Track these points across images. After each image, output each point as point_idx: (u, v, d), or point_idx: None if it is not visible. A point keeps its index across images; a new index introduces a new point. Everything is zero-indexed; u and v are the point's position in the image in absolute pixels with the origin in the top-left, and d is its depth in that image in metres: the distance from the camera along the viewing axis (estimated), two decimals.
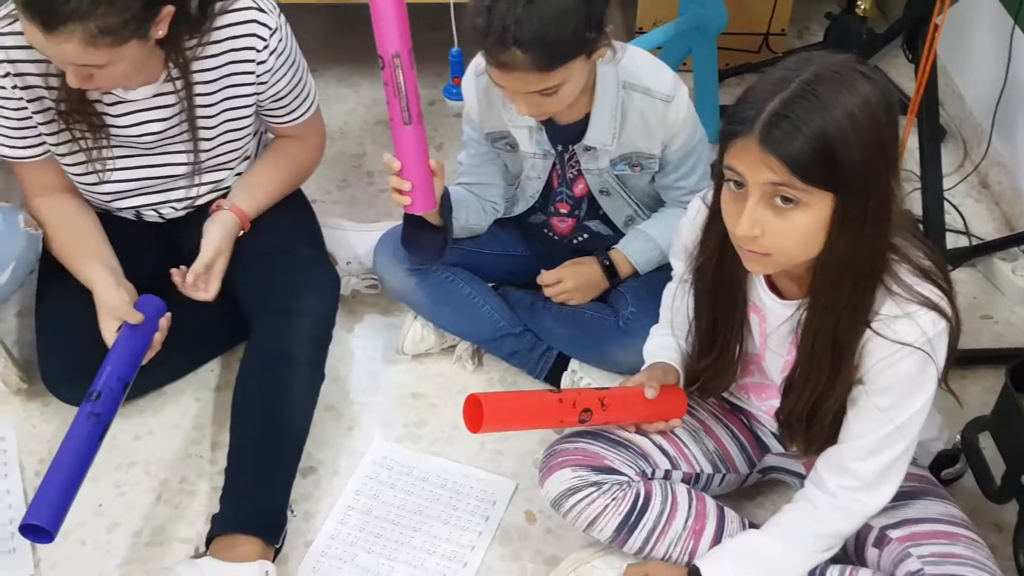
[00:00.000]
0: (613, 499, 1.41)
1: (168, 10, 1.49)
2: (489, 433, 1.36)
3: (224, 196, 1.79)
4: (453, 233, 1.67)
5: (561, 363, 1.80)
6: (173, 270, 1.67)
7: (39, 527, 1.37)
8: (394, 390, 1.85)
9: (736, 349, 1.41)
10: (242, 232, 1.76)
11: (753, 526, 1.46)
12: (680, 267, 1.49)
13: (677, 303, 1.46)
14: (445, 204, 1.62)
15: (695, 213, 1.40)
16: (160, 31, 1.50)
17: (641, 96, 1.62)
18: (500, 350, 1.84)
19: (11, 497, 1.64)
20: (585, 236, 1.83)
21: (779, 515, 1.38)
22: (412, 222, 1.67)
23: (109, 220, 1.79)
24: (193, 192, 1.80)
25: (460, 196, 1.72)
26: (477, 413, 1.37)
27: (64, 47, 1.42)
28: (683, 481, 1.50)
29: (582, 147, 1.66)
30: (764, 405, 1.50)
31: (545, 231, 1.85)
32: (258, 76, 1.69)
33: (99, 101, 1.64)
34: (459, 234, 1.71)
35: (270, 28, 1.66)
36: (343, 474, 1.70)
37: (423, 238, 1.68)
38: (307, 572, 1.56)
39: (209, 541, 1.53)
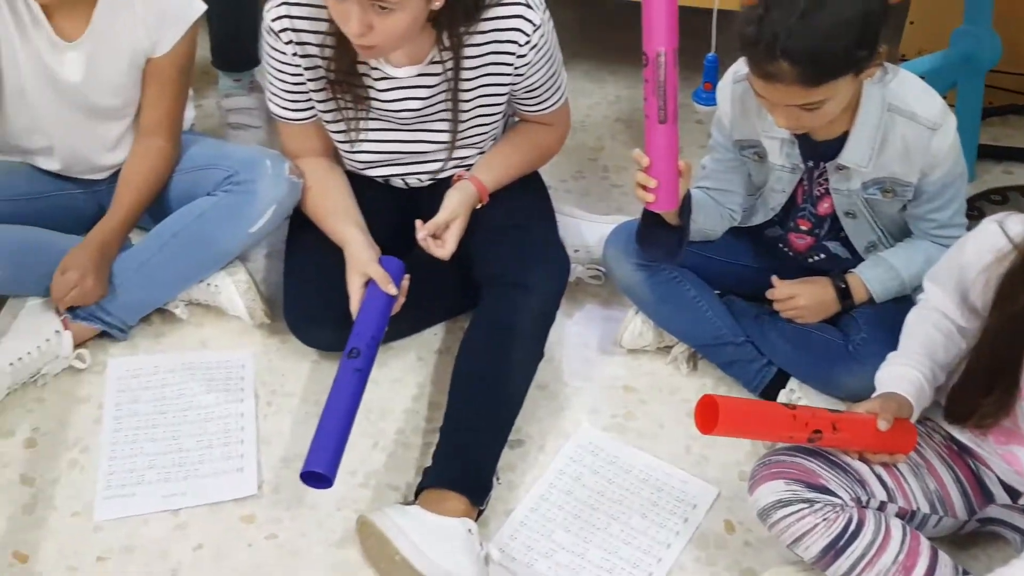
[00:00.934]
0: (824, 519, 1.39)
1: None
2: (715, 435, 1.37)
3: (467, 170, 1.87)
4: (688, 235, 1.68)
5: (780, 379, 1.78)
6: (417, 221, 1.76)
7: (318, 474, 1.47)
8: (606, 380, 1.88)
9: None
10: (480, 205, 1.83)
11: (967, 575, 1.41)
12: (939, 293, 1.45)
13: (936, 335, 1.42)
14: (685, 206, 1.64)
15: (989, 238, 1.36)
16: (438, 2, 1.58)
17: (906, 121, 1.58)
18: (718, 357, 1.84)
19: (244, 420, 1.77)
20: (821, 256, 1.80)
21: (1001, 571, 1.33)
22: (650, 219, 1.69)
23: (356, 181, 1.90)
24: (439, 166, 1.89)
25: (699, 199, 1.73)
26: (711, 414, 1.37)
27: None
28: (897, 515, 1.46)
29: (835, 166, 1.63)
30: (1002, 450, 1.44)
31: (780, 246, 1.83)
32: (516, 68, 1.76)
33: (367, 75, 1.74)
34: (693, 237, 1.72)
35: (534, 24, 1.71)
36: (548, 452, 1.74)
37: (659, 236, 1.70)
38: (505, 538, 1.61)
39: (418, 492, 1.61)
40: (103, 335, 1.87)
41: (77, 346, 1.83)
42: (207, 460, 1.70)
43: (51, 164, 1.93)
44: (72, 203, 1.97)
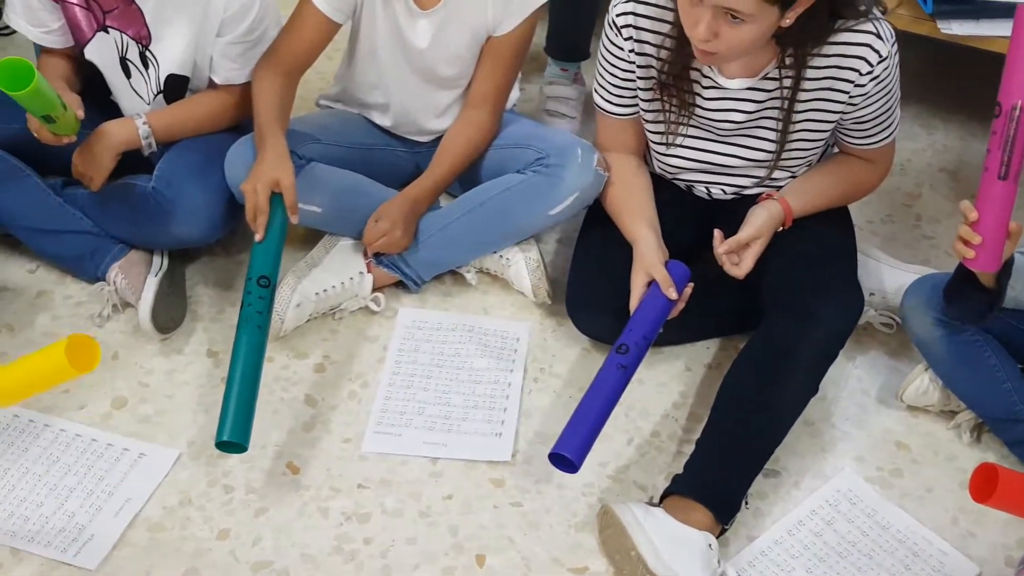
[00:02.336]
0: None
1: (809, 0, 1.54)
2: (989, 506, 1.28)
3: (775, 190, 1.84)
4: (1002, 301, 1.57)
5: None
6: (717, 233, 1.75)
7: (566, 458, 1.51)
8: (879, 431, 1.79)
9: None
10: (781, 228, 1.79)
11: None
12: None
13: None
14: (1006, 269, 1.53)
15: None
16: (789, 19, 1.56)
17: None
18: (1007, 434, 1.71)
19: (510, 390, 1.83)
20: None
21: None
22: (964, 276, 1.59)
23: (657, 183, 1.91)
24: (749, 182, 1.87)
25: (1021, 266, 1.61)
26: (990, 483, 1.29)
27: None
28: None
29: None
30: None
31: None
32: (851, 97, 1.70)
33: (696, 82, 1.75)
34: (1006, 303, 1.61)
35: (880, 56, 1.66)
36: (803, 489, 1.69)
37: (970, 296, 1.60)
38: (743, 563, 1.57)
39: (664, 497, 1.60)
40: (399, 284, 2.00)
41: (375, 290, 1.97)
42: (470, 419, 1.78)
43: (384, 120, 2.08)
44: (394, 159, 2.11)
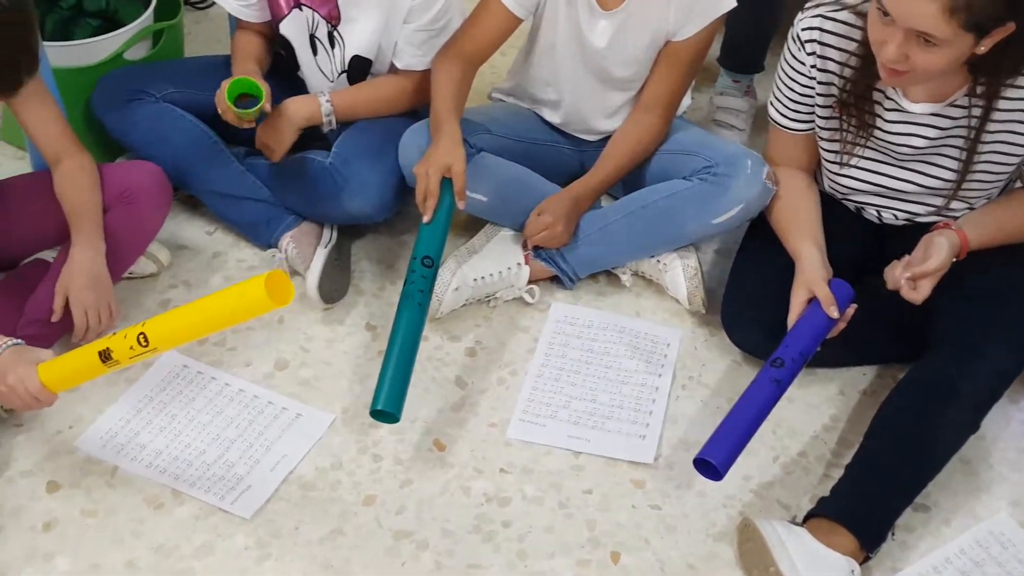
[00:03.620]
0: None
1: (1007, 28, 1.50)
2: None
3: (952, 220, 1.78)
4: None
5: None
6: (898, 263, 1.70)
7: (712, 465, 1.51)
8: None
9: None
10: (955, 259, 1.74)
11: None
12: None
13: None
14: None
15: None
16: (984, 47, 1.52)
17: None
18: None
19: (657, 394, 1.84)
20: None
21: None
22: None
23: (826, 202, 1.88)
24: (924, 210, 1.82)
25: None
26: None
27: (922, 8, 1.45)
28: None
29: None
30: None
31: None
32: None
33: (878, 103, 1.72)
34: None
35: None
36: (954, 527, 1.64)
37: None
38: None
39: (807, 519, 1.58)
40: (554, 279, 2.03)
41: (530, 282, 2.00)
42: (615, 418, 1.79)
43: (554, 117, 2.12)
44: (559, 156, 2.14)
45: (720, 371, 1.89)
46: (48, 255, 1.93)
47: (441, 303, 1.91)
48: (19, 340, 1.59)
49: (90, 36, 2.16)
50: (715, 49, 2.32)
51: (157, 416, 1.76)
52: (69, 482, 1.66)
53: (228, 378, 1.83)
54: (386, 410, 1.62)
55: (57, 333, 1.81)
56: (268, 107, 1.90)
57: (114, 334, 1.51)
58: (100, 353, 1.50)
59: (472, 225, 2.08)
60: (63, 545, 1.57)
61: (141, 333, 1.47)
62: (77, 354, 1.56)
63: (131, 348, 1.48)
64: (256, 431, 1.74)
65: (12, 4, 1.47)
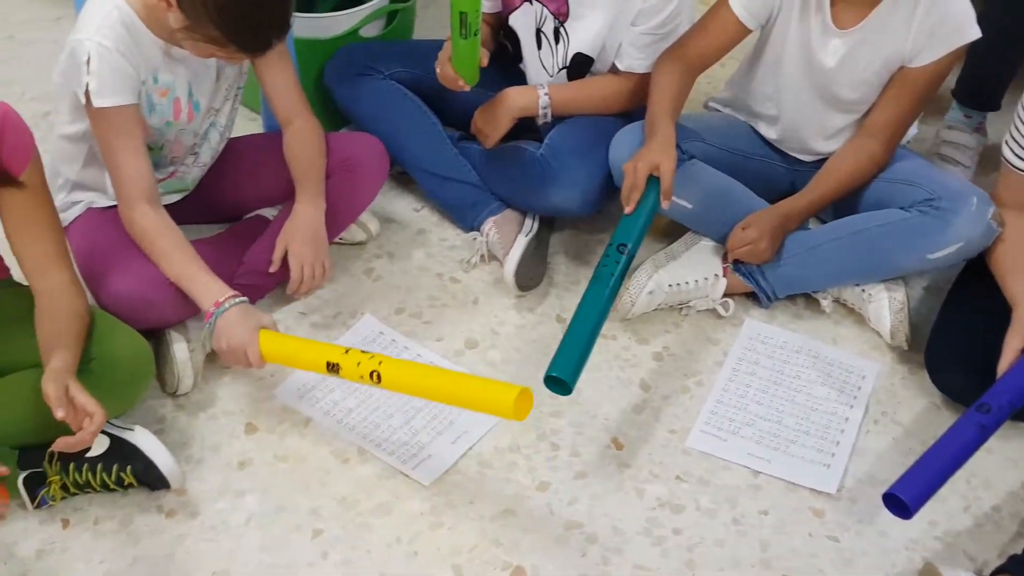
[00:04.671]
0: None
1: None
2: None
3: None
4: None
5: None
6: None
7: (903, 503, 1.46)
8: None
9: None
10: None
11: None
12: None
13: None
14: None
15: None
16: None
17: None
18: None
19: (847, 425, 1.78)
20: None
21: None
22: None
23: None
24: None
25: None
26: None
27: None
28: None
29: None
30: None
31: None
32: None
33: None
34: None
35: None
36: None
37: None
38: None
39: (997, 573, 1.51)
40: (750, 295, 1.99)
41: (726, 295, 1.97)
42: (800, 443, 1.75)
43: (770, 132, 2.08)
44: (770, 172, 2.10)
45: (916, 411, 1.82)
46: (268, 212, 2.04)
47: (634, 304, 1.91)
48: (244, 298, 1.68)
49: (330, 11, 2.28)
50: (949, 79, 2.23)
51: None
52: (265, 427, 1.75)
53: (420, 349, 1.89)
54: (561, 378, 1.62)
55: (272, 284, 1.91)
56: (485, 61, 1.94)
57: (348, 352, 1.57)
58: (329, 363, 1.57)
59: (672, 231, 2.07)
60: (254, 484, 1.66)
61: (376, 371, 1.54)
62: (306, 346, 1.66)
63: (360, 376, 1.55)
64: (437, 407, 1.79)
65: None
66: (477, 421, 1.76)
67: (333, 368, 1.56)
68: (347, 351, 1.57)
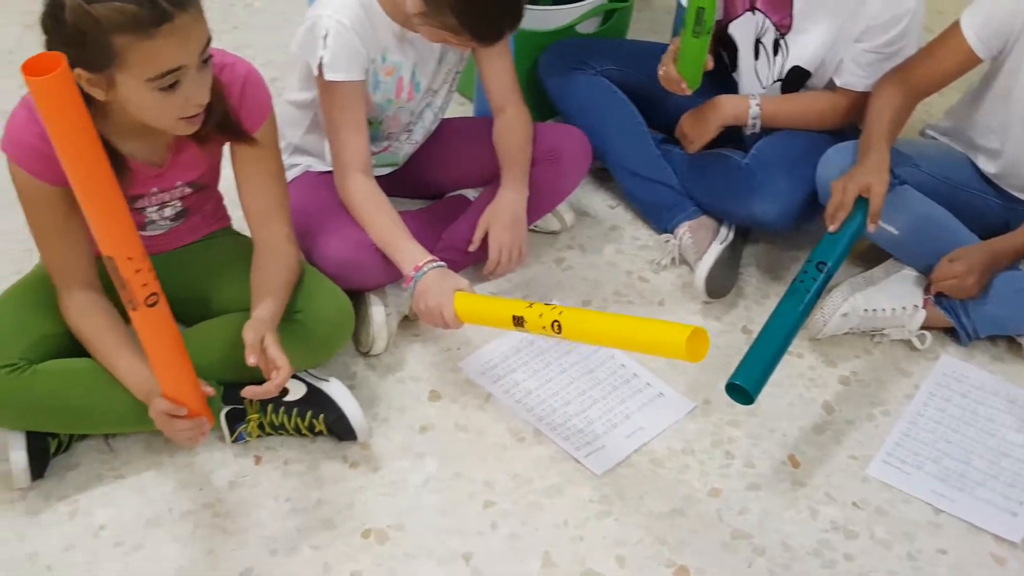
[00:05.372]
0: None
1: None
2: None
3: None
4: None
5: None
6: None
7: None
8: None
9: None
10: None
11: None
12: None
13: None
14: None
15: None
16: None
17: None
18: None
19: None
20: None
21: None
22: None
23: None
24: None
25: None
26: None
27: None
28: None
29: None
30: None
31: None
32: None
33: None
34: None
35: None
36: None
37: None
38: None
39: None
40: (949, 330, 1.93)
41: (923, 327, 1.91)
42: (987, 486, 1.68)
43: (989, 167, 2.00)
44: (984, 207, 2.02)
45: None
46: (469, 193, 2.11)
47: (826, 324, 1.88)
48: (443, 263, 1.75)
49: (552, 4, 2.33)
50: None
51: (534, 359, 1.87)
52: (448, 396, 1.81)
53: None
54: (744, 387, 1.61)
55: (467, 262, 1.97)
56: (710, 64, 1.95)
57: (531, 305, 1.60)
58: (515, 317, 1.60)
59: (872, 256, 2.02)
60: (434, 449, 1.71)
61: (556, 321, 1.56)
62: (495, 304, 1.70)
63: (542, 327, 1.57)
64: (619, 397, 1.81)
65: None
66: (653, 419, 1.77)
67: (519, 322, 1.59)
68: (530, 304, 1.60)
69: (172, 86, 1.40)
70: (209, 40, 1.42)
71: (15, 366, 1.55)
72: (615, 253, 2.12)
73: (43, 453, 1.62)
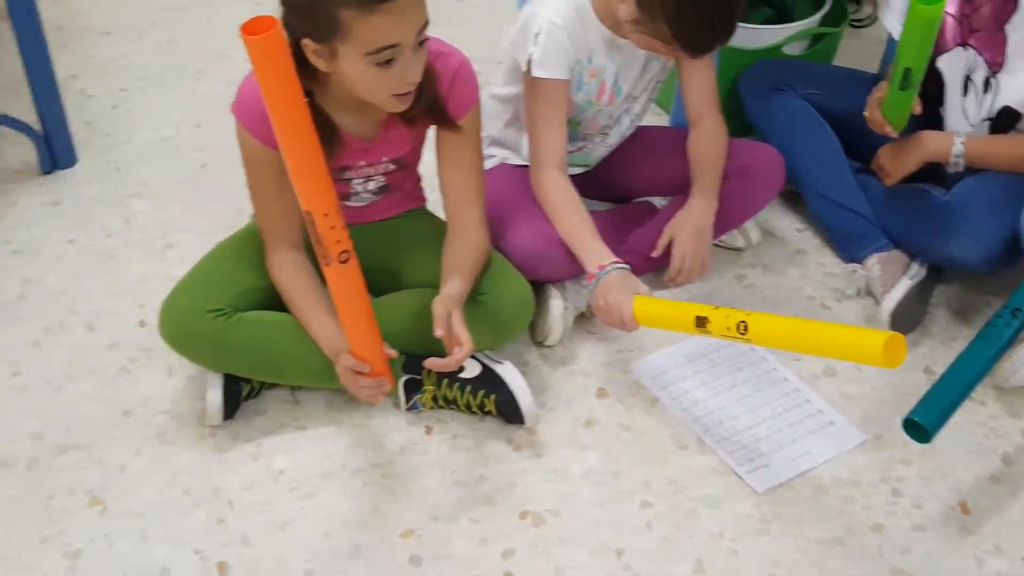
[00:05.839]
0: None
1: None
2: None
3: None
4: None
5: None
6: None
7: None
8: None
9: None
10: None
11: None
12: None
13: None
14: None
15: None
16: None
17: None
18: None
19: None
20: None
21: None
22: None
23: None
24: None
25: None
26: None
27: None
28: None
29: None
30: None
31: None
32: None
33: None
34: None
35: None
36: None
37: None
38: None
39: None
40: None
41: None
42: None
43: None
44: None
45: None
46: (656, 201, 2.13)
47: (1015, 373, 1.81)
48: (626, 265, 1.78)
49: (761, 23, 2.32)
50: None
51: (704, 371, 1.88)
52: (616, 395, 1.83)
53: (777, 364, 1.89)
54: (923, 424, 1.57)
55: (647, 268, 1.99)
56: (918, 108, 1.92)
57: (717, 308, 1.59)
58: (697, 317, 1.59)
59: None
60: (597, 443, 1.74)
61: (743, 321, 1.54)
62: (676, 306, 1.70)
63: (727, 328, 1.56)
64: (788, 420, 1.79)
65: None
66: (820, 446, 1.74)
67: (702, 323, 1.58)
68: (716, 307, 1.59)
69: (387, 63, 1.48)
70: (426, 23, 1.50)
71: (222, 311, 1.68)
72: (799, 277, 2.10)
73: (236, 396, 1.73)
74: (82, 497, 1.62)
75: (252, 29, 1.29)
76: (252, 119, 1.61)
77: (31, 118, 2.25)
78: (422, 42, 1.51)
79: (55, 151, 2.28)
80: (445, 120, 1.69)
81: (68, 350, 1.87)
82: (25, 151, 2.31)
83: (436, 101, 1.65)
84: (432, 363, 1.61)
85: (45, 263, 2.06)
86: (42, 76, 2.20)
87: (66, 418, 1.74)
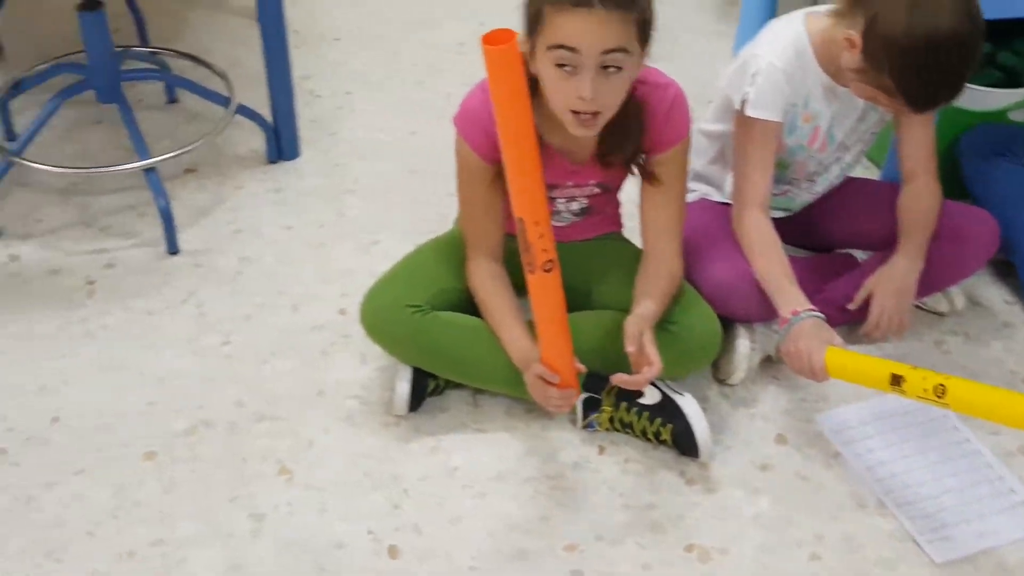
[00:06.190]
0: None
1: None
2: None
3: None
4: None
5: None
6: None
7: None
8: None
9: None
10: None
11: None
12: None
13: None
14: None
15: None
16: None
17: None
18: None
19: None
20: None
21: None
22: None
23: None
24: None
25: None
26: None
27: None
28: None
29: None
30: None
31: None
32: None
33: None
34: None
35: None
36: None
37: None
38: None
39: None
40: None
41: None
42: None
43: None
44: None
45: None
46: (857, 254, 2.08)
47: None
48: (822, 314, 1.74)
49: (988, 86, 2.24)
50: None
51: (892, 432, 1.82)
52: (795, 444, 1.80)
53: (970, 435, 1.81)
54: None
55: (841, 320, 1.95)
56: None
57: (915, 368, 1.56)
58: (893, 375, 1.56)
59: None
60: (771, 488, 1.72)
61: (941, 384, 1.50)
62: (871, 361, 1.66)
63: (924, 390, 1.52)
64: (977, 495, 1.71)
65: (978, 29, 1.61)
66: (1010, 526, 1.66)
67: (897, 381, 1.55)
68: (914, 367, 1.55)
69: (564, 67, 1.50)
70: (619, 49, 1.49)
71: (420, 308, 1.75)
72: (1002, 350, 2.01)
73: (422, 391, 1.80)
74: (273, 465, 1.72)
75: (493, 40, 1.36)
76: (472, 132, 1.67)
77: (264, 111, 2.41)
78: (608, 68, 1.51)
79: (282, 143, 2.44)
80: (646, 173, 1.72)
81: (275, 327, 1.99)
82: (255, 140, 2.47)
83: (638, 152, 1.68)
84: (619, 379, 1.63)
85: (263, 245, 2.20)
86: (280, 74, 2.36)
87: (266, 390, 1.86)
